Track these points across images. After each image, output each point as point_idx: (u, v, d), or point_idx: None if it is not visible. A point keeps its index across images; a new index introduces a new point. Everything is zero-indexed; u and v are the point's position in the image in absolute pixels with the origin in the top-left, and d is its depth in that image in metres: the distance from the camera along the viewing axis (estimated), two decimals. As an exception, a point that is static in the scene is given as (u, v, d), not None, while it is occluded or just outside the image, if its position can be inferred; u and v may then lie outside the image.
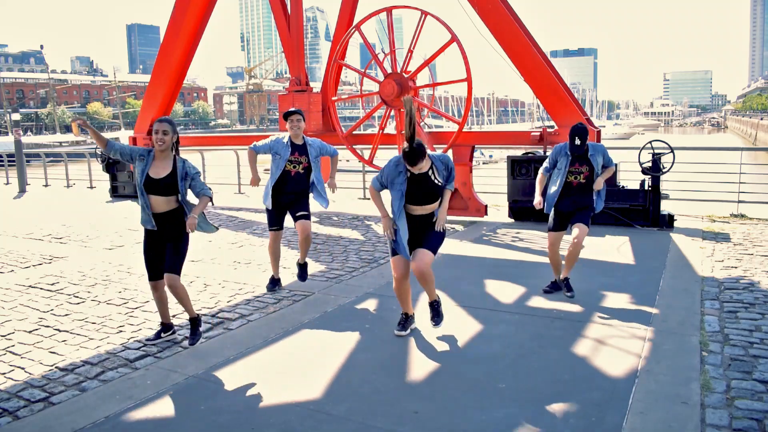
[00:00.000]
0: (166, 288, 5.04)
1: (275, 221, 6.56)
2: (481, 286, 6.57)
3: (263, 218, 11.46)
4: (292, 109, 6.39)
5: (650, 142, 9.72)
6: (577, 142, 5.80)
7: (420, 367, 4.55)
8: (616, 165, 10.18)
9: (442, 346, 4.93)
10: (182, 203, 4.92)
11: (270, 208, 6.48)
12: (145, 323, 5.66)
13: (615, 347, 4.81)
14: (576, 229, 5.91)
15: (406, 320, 5.30)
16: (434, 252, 4.97)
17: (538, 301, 6.02)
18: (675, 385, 4.10)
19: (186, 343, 5.14)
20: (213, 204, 5.02)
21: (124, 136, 61.21)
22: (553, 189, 6.01)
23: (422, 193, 4.84)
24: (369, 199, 13.51)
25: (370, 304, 6.11)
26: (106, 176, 16.22)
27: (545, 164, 6.13)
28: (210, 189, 5.05)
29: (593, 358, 4.61)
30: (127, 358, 4.85)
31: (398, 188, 4.83)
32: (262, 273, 7.38)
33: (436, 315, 5.22)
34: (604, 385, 4.17)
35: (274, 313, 5.90)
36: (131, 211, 12.94)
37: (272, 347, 5.05)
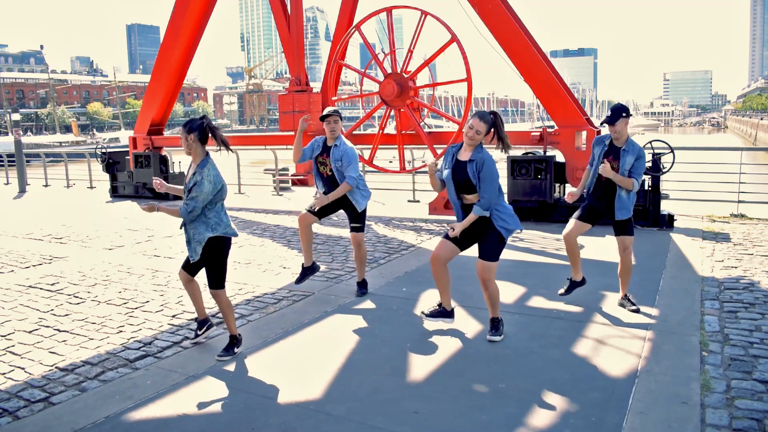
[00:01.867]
0: (197, 282, 5.04)
1: (314, 208, 6.27)
2: (480, 286, 6.55)
3: (263, 218, 11.47)
4: (329, 109, 6.13)
5: (650, 142, 9.71)
6: (609, 113, 5.57)
7: (420, 367, 4.55)
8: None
9: (442, 346, 4.93)
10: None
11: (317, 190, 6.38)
12: (145, 323, 5.65)
13: (615, 347, 4.81)
14: (621, 243, 5.73)
15: (441, 313, 5.32)
16: (490, 259, 4.95)
17: (538, 301, 6.02)
18: (675, 385, 4.10)
19: (186, 343, 5.14)
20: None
21: (124, 136, 61.27)
22: (588, 179, 5.77)
23: (460, 180, 4.87)
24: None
25: (370, 304, 6.10)
26: (106, 176, 16.24)
27: (588, 166, 5.82)
28: (188, 208, 4.58)
29: (593, 358, 4.61)
30: (127, 358, 4.85)
31: (446, 169, 4.94)
32: (262, 273, 7.38)
33: (494, 330, 5.08)
34: (604, 385, 4.16)
35: (274, 313, 5.90)
36: (131, 211, 12.94)
37: (272, 347, 5.05)
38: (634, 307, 5.66)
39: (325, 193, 6.24)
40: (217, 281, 4.82)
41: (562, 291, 6.05)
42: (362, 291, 6.47)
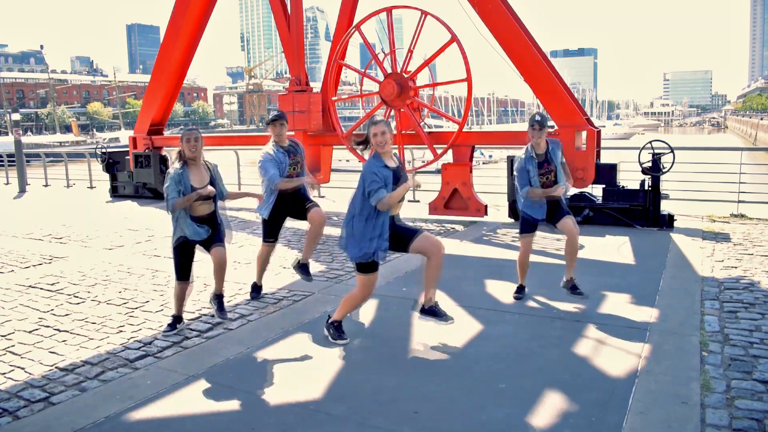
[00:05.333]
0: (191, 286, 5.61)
1: (271, 233, 6.35)
2: (481, 286, 6.57)
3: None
4: (276, 113, 6.33)
5: (650, 142, 9.72)
6: (537, 118, 5.74)
7: (420, 367, 4.55)
8: (615, 165, 10.19)
9: (442, 346, 4.93)
10: (215, 204, 5.42)
11: (266, 218, 6.27)
12: (145, 323, 5.66)
13: (615, 347, 4.81)
14: (566, 223, 5.83)
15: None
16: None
17: (538, 301, 6.02)
18: (675, 385, 4.11)
19: (186, 343, 5.14)
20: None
21: (124, 136, 61.21)
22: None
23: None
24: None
25: (371, 304, 6.10)
26: (106, 176, 16.22)
27: (522, 182, 5.85)
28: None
29: (593, 358, 4.61)
30: (127, 358, 4.85)
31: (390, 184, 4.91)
32: (262, 273, 7.36)
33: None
34: (604, 385, 4.17)
35: (273, 313, 5.90)
36: (131, 211, 12.94)
37: (272, 347, 5.05)
38: (579, 292, 5.91)
39: (289, 193, 6.27)
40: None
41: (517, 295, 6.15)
42: (306, 274, 6.41)
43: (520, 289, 6.18)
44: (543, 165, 5.83)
